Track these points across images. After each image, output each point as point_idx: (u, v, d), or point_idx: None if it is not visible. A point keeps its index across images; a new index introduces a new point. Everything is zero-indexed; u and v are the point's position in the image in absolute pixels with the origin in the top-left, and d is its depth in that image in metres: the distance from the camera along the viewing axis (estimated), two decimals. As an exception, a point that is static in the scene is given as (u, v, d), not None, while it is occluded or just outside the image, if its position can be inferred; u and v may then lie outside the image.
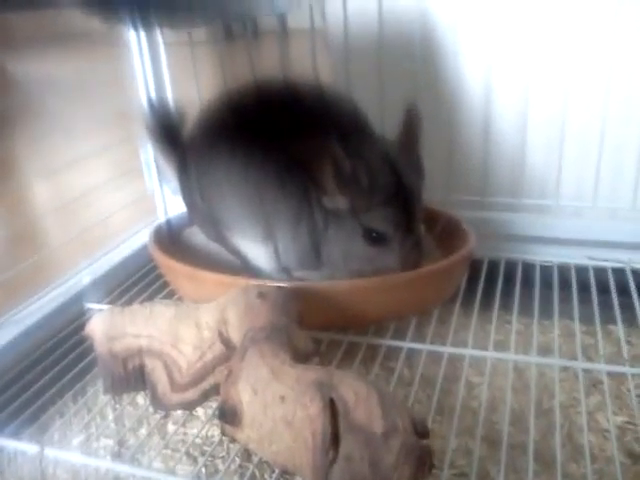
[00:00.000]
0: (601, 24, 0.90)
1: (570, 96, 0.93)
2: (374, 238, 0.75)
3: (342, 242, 0.77)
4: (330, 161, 0.72)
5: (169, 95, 1.08)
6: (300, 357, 0.60)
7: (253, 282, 0.72)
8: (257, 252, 0.83)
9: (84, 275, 0.96)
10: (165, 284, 0.92)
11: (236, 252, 0.86)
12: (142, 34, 0.97)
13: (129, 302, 0.90)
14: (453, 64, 1.00)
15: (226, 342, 0.63)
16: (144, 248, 0.98)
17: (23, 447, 0.64)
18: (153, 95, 1.06)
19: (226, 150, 0.81)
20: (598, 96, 0.91)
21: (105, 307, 0.88)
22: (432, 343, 0.77)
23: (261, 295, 0.65)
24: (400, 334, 0.78)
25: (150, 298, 0.91)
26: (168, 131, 0.92)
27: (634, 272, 0.89)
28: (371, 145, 0.77)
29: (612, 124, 0.91)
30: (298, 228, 0.78)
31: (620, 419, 0.75)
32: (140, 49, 1.03)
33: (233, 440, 0.57)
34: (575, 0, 0.90)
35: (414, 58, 0.98)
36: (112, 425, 0.79)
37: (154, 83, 1.06)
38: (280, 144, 0.76)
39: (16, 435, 0.67)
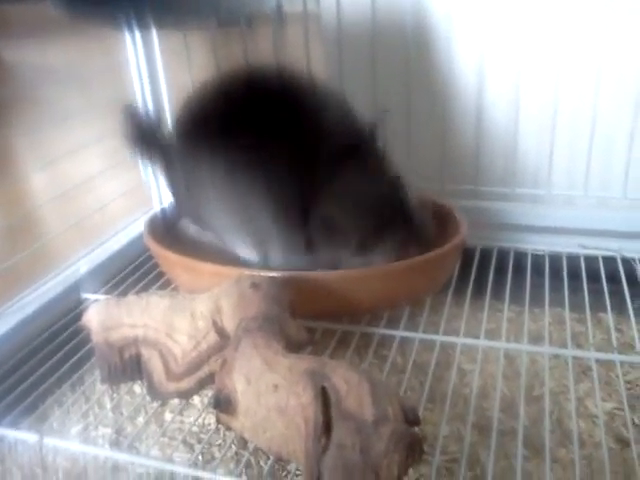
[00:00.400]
0: (593, 13, 0.90)
1: (561, 86, 0.93)
2: None
3: None
4: None
5: (162, 83, 1.08)
6: (293, 346, 0.61)
7: (246, 272, 0.73)
8: (246, 250, 0.83)
9: (80, 265, 0.96)
10: (161, 274, 0.93)
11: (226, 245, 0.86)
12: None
13: (125, 292, 0.90)
14: (446, 52, 1.00)
15: (220, 331, 0.64)
16: (140, 237, 0.98)
17: (23, 436, 0.65)
18: (146, 83, 1.06)
19: (209, 148, 0.80)
20: (589, 86, 0.92)
21: (101, 297, 0.89)
22: (425, 332, 0.78)
23: (254, 285, 0.66)
24: (393, 323, 0.79)
25: (146, 288, 0.92)
26: (146, 135, 0.90)
27: (624, 260, 0.91)
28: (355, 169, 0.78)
29: (602, 114, 0.92)
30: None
31: (609, 405, 0.77)
32: (133, 38, 1.03)
33: (228, 428, 0.58)
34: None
35: (407, 46, 0.98)
36: (110, 414, 0.80)
37: (147, 71, 1.06)
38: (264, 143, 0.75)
39: (16, 424, 0.68)
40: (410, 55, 0.98)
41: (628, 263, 0.90)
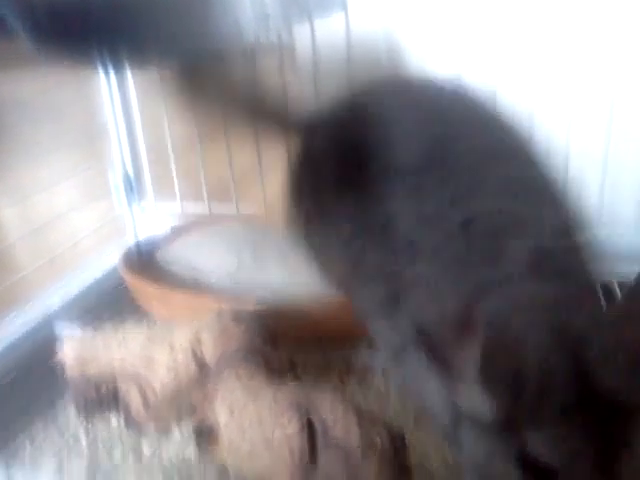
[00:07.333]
0: (566, 69, 0.91)
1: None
2: (535, 469, 0.44)
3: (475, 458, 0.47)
4: (476, 342, 0.42)
5: (138, 123, 1.07)
6: (275, 377, 0.61)
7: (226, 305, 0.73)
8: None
9: (55, 297, 0.94)
10: (137, 306, 0.91)
11: None
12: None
13: (101, 324, 0.89)
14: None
15: (200, 363, 0.64)
16: (114, 270, 0.97)
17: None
18: (121, 123, 1.06)
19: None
20: (561, 139, 0.93)
21: (77, 330, 0.87)
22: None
23: (236, 319, 0.66)
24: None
25: (122, 320, 0.90)
26: None
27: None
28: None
29: (574, 164, 0.93)
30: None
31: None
32: (108, 78, 1.04)
33: (211, 461, 0.57)
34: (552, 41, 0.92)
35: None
36: (86, 450, 0.77)
37: (122, 111, 1.06)
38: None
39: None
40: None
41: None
